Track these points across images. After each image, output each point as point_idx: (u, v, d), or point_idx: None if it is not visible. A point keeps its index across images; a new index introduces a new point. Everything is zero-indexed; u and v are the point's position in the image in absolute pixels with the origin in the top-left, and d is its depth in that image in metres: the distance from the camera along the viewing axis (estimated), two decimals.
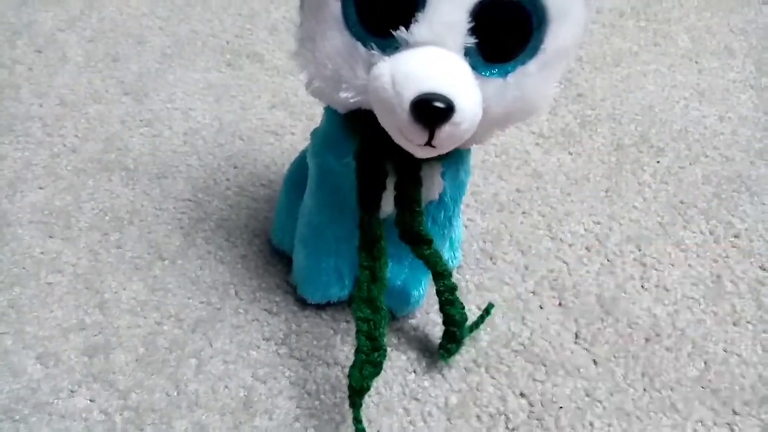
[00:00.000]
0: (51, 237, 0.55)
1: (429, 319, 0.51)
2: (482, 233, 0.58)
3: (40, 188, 0.59)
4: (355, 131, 0.40)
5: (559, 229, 0.59)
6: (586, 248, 0.58)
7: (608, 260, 0.57)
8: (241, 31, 0.78)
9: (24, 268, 0.53)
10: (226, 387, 0.46)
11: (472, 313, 0.50)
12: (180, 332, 0.49)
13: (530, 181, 0.64)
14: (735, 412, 0.47)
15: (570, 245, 0.58)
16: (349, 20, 0.35)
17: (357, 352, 0.42)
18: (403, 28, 0.34)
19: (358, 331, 0.42)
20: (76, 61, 0.73)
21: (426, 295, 0.51)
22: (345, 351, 0.49)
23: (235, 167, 0.63)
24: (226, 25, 0.79)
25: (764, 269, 0.57)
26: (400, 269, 0.49)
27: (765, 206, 0.62)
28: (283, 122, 0.67)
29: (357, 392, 0.41)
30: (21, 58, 0.73)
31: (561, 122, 0.70)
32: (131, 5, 0.81)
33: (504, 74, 0.35)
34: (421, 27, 0.34)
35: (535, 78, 0.36)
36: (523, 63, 0.35)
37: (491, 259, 0.56)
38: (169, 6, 0.81)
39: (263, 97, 0.70)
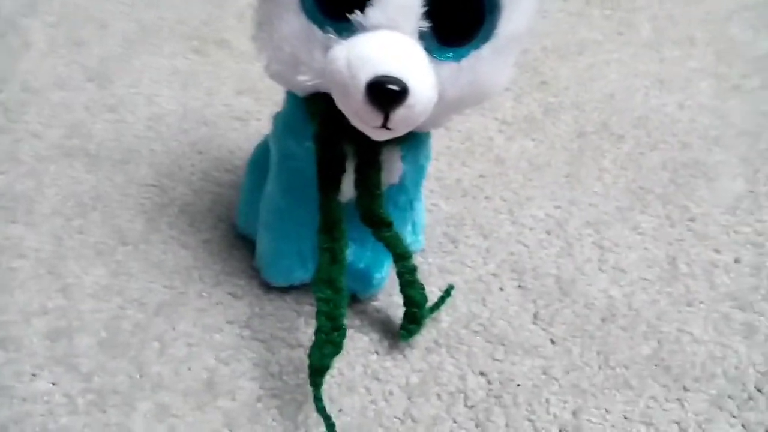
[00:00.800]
0: (13, 222, 0.55)
1: (392, 302, 0.52)
2: (446, 218, 0.59)
3: (2, 173, 0.59)
4: (314, 114, 0.41)
5: (520, 213, 0.60)
6: (546, 232, 0.59)
7: (567, 243, 0.58)
8: (208, 17, 0.78)
9: None
10: (189, 369, 0.47)
11: (435, 295, 0.51)
12: (143, 316, 0.49)
13: (493, 167, 0.65)
14: (686, 389, 0.48)
15: (531, 229, 0.59)
16: (306, 4, 0.36)
17: (317, 332, 0.42)
18: (358, 12, 0.34)
19: (318, 312, 0.42)
20: (38, 47, 0.72)
21: (388, 277, 0.51)
22: (308, 333, 0.49)
23: (200, 153, 0.63)
24: (194, 12, 0.78)
25: (718, 252, 0.58)
26: (362, 252, 0.49)
27: (720, 191, 0.64)
28: (250, 108, 0.67)
29: (317, 371, 0.42)
30: None
31: (525, 109, 0.71)
32: None
33: (458, 58, 0.36)
34: (376, 11, 0.34)
35: (488, 62, 0.37)
36: (476, 47, 0.36)
37: (454, 242, 0.57)
38: None
39: (229, 83, 0.70)
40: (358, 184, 0.42)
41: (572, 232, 0.59)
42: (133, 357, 0.47)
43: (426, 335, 0.50)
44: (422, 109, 0.36)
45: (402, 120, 0.35)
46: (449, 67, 0.36)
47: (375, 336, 0.50)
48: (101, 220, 0.56)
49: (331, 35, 0.36)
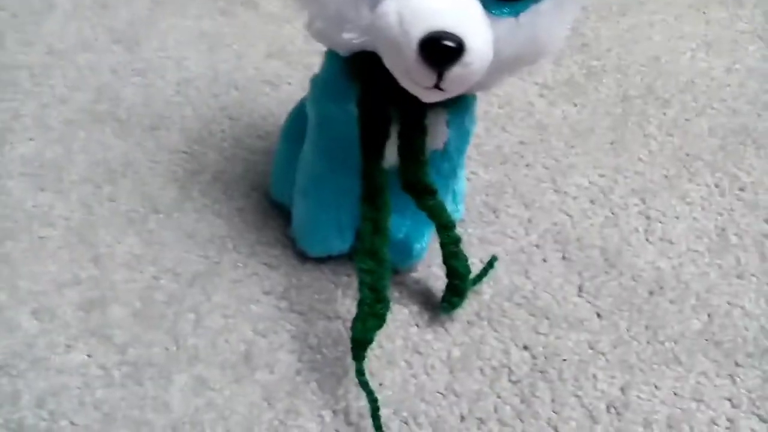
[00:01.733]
0: (42, 190, 0.54)
1: (431, 273, 0.50)
2: (485, 186, 0.57)
3: (30, 140, 0.58)
4: (357, 76, 0.39)
5: (563, 181, 0.58)
6: (591, 201, 0.57)
7: (612, 213, 0.56)
8: None
9: (16, 221, 0.52)
10: (226, 341, 0.46)
11: (475, 267, 0.49)
12: (177, 287, 0.48)
13: (534, 133, 0.62)
14: (737, 364, 0.47)
15: (574, 198, 0.57)
16: None
17: (360, 304, 0.41)
18: None
19: (361, 283, 0.41)
20: (63, 8, 0.70)
21: (428, 248, 0.50)
22: (346, 305, 0.48)
23: (231, 118, 0.61)
24: None
25: None
26: (402, 222, 0.48)
27: None
28: (280, 72, 0.65)
29: (360, 344, 0.41)
30: (4, 4, 0.70)
31: (566, 73, 0.68)
32: None
33: (516, 13, 0.34)
34: None
35: (548, 18, 0.34)
36: (536, 1, 0.34)
37: (494, 212, 0.55)
38: None
39: (259, 45, 0.68)
40: (402, 149, 0.40)
41: (617, 201, 0.57)
42: (168, 328, 0.46)
43: (467, 308, 0.49)
44: (478, 68, 0.33)
45: (457, 79, 0.33)
46: (507, 23, 0.34)
47: (415, 308, 0.49)
48: (132, 188, 0.54)
49: None
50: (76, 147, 0.57)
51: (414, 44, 0.32)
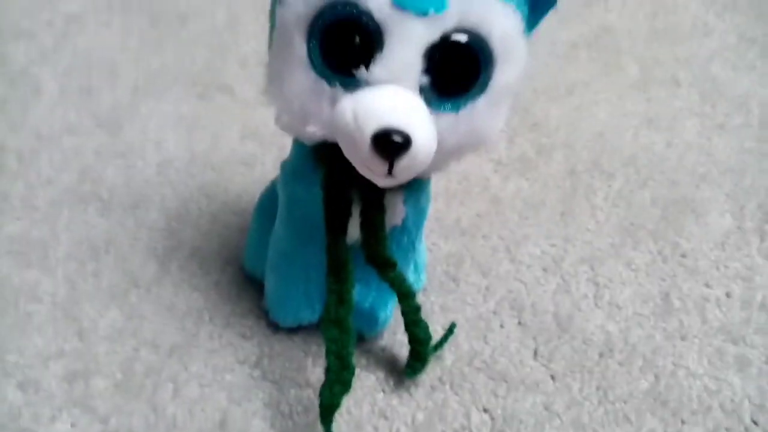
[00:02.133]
0: (29, 267, 0.57)
1: (396, 340, 0.54)
2: (445, 257, 0.61)
3: (17, 219, 0.61)
4: (321, 162, 0.43)
5: (517, 251, 0.62)
6: (543, 269, 0.61)
7: (564, 280, 0.60)
8: (211, 64, 0.81)
9: (3, 297, 0.54)
10: (203, 410, 0.48)
11: (437, 333, 0.52)
12: (156, 358, 0.51)
13: (490, 206, 0.67)
14: (683, 422, 0.50)
15: (528, 266, 0.61)
16: (314, 61, 0.38)
17: (327, 371, 0.44)
18: (363, 68, 0.37)
19: (327, 352, 0.44)
20: (50, 94, 0.75)
21: (393, 316, 0.53)
22: (316, 373, 0.51)
23: (208, 196, 0.65)
24: (197, 59, 0.81)
25: (709, 286, 0.60)
26: (367, 292, 0.51)
27: (709, 227, 0.66)
28: (254, 152, 0.70)
29: (327, 410, 0.44)
30: None
31: (518, 150, 0.73)
32: (104, 38, 0.83)
33: (456, 109, 0.38)
34: (380, 67, 0.37)
35: (484, 112, 0.39)
36: (473, 99, 0.38)
37: (454, 281, 0.59)
38: (142, 40, 0.83)
39: (234, 128, 0.73)
40: (364, 226, 0.44)
41: (568, 268, 0.61)
42: (148, 398, 0.48)
43: (430, 373, 0.52)
44: (424, 158, 0.38)
45: (405, 168, 0.37)
46: (448, 118, 0.38)
47: (381, 374, 0.51)
48: (114, 264, 0.58)
49: (337, 89, 0.38)
50: (61, 226, 0.60)
51: (367, 139, 0.36)
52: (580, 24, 0.92)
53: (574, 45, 0.89)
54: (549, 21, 0.90)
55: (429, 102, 0.38)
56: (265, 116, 0.73)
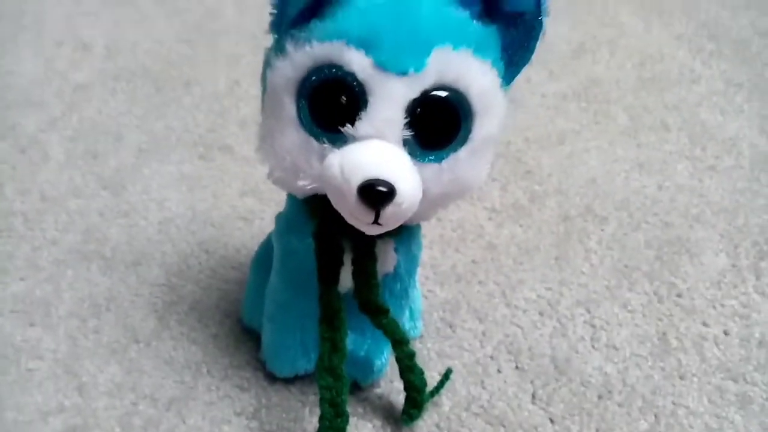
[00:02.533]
0: (32, 325, 0.58)
1: (393, 388, 0.54)
2: (442, 303, 0.62)
3: (22, 279, 0.62)
4: (313, 214, 0.45)
5: (513, 296, 0.63)
6: (539, 313, 0.61)
7: (560, 323, 0.61)
8: (212, 126, 0.84)
9: (5, 356, 0.55)
10: None
11: (435, 380, 0.53)
12: (155, 411, 0.51)
13: (485, 252, 0.68)
14: None
15: (524, 311, 0.62)
16: (303, 120, 0.40)
17: (321, 419, 0.44)
18: (349, 125, 0.39)
19: (321, 399, 0.45)
20: (57, 159, 0.77)
21: (388, 364, 0.54)
22: (313, 423, 0.51)
23: (207, 252, 0.66)
24: (199, 121, 0.84)
25: (706, 325, 0.60)
26: (362, 340, 0.52)
27: (704, 266, 0.67)
28: (253, 208, 0.72)
29: None
30: (5, 158, 0.78)
31: (512, 197, 0.75)
32: (110, 106, 0.86)
33: (439, 160, 0.40)
34: (364, 124, 0.39)
35: (466, 162, 0.41)
36: (455, 150, 0.40)
37: (451, 327, 0.60)
38: (146, 105, 0.87)
39: (234, 185, 0.75)
40: (356, 274, 0.46)
41: (564, 312, 0.62)
42: None
43: (428, 420, 0.52)
44: (409, 206, 0.39)
45: (391, 216, 0.39)
46: (431, 168, 0.40)
47: (378, 422, 0.52)
48: (115, 320, 0.59)
49: (326, 145, 0.40)
50: (64, 284, 0.62)
51: (354, 190, 0.38)
52: (569, 76, 0.95)
53: (564, 96, 0.92)
54: (539, 74, 0.94)
55: (413, 154, 0.40)
56: (264, 173, 0.75)
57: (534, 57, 0.42)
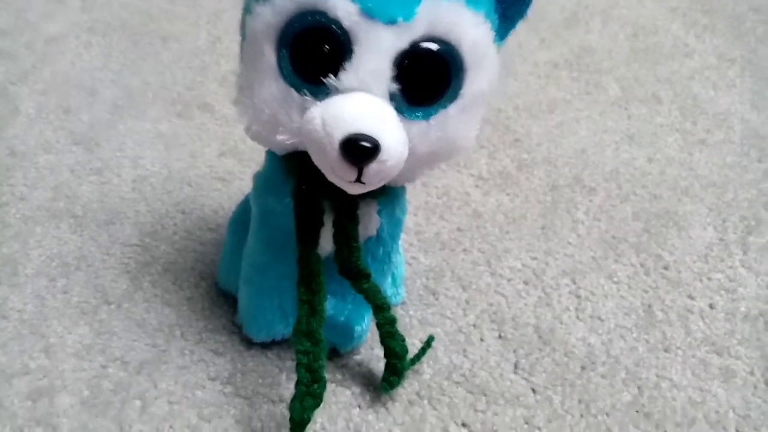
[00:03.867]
0: None
1: (373, 355, 0.53)
2: (425, 270, 0.61)
3: None
4: (292, 171, 0.43)
5: (498, 265, 0.62)
6: (524, 282, 0.60)
7: (545, 293, 0.59)
8: (191, 83, 0.81)
9: None
10: (171, 427, 0.47)
11: (416, 348, 0.51)
12: (125, 374, 0.50)
13: (470, 220, 0.66)
14: None
15: (509, 280, 0.60)
16: (284, 70, 0.38)
17: (297, 384, 0.43)
18: (332, 76, 0.37)
19: (298, 364, 0.43)
20: (27, 113, 0.74)
21: (369, 330, 0.52)
22: (290, 388, 0.49)
23: (183, 213, 0.64)
24: (177, 78, 0.81)
25: (692, 298, 0.60)
26: (343, 306, 0.50)
27: (692, 239, 0.66)
28: (232, 169, 0.69)
29: (298, 424, 0.42)
30: None
31: (499, 165, 0.73)
32: (84, 59, 0.83)
33: (427, 117, 0.38)
34: (349, 75, 0.36)
35: (455, 120, 0.39)
36: (444, 107, 0.38)
37: (434, 294, 0.58)
38: (122, 60, 0.83)
39: (212, 145, 0.72)
40: (337, 237, 0.44)
41: (549, 282, 0.60)
42: (114, 416, 0.47)
43: (408, 387, 0.51)
44: (394, 164, 0.37)
45: (375, 174, 0.37)
46: (419, 126, 0.38)
47: (357, 389, 0.50)
48: (85, 280, 0.56)
49: (307, 97, 0.38)
50: (32, 242, 0.60)
51: (336, 145, 0.36)
52: (560, 45, 0.94)
53: (555, 65, 0.90)
54: (530, 42, 0.92)
55: (400, 110, 0.38)
56: (244, 133, 0.74)
57: (527, 18, 0.41)
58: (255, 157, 0.70)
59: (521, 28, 0.41)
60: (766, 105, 0.85)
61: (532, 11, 0.40)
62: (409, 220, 0.52)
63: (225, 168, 0.70)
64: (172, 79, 0.81)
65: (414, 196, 0.67)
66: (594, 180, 0.73)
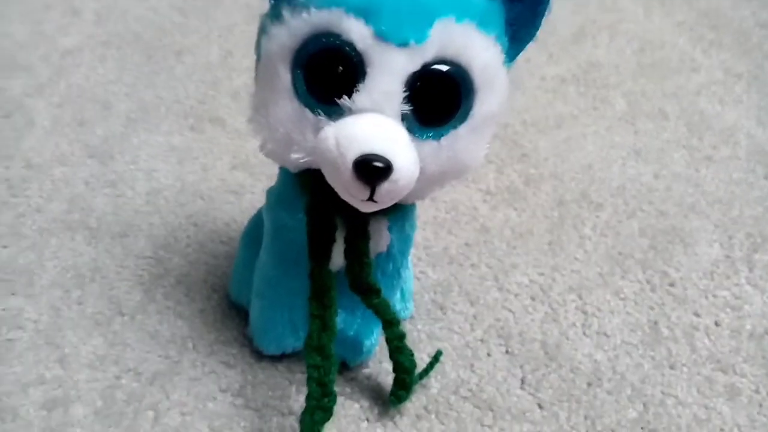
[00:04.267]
0: (13, 294, 0.57)
1: (382, 369, 0.53)
2: (433, 285, 0.61)
3: (4, 247, 0.61)
4: (305, 188, 0.44)
5: (505, 280, 0.62)
6: (531, 298, 0.61)
7: (552, 309, 0.60)
8: (204, 97, 0.82)
9: None
10: None
11: (424, 362, 0.52)
12: (138, 385, 0.50)
13: (478, 235, 0.67)
14: None
15: (516, 295, 0.61)
16: (299, 90, 0.39)
17: (308, 398, 0.43)
18: (346, 97, 0.37)
19: (309, 378, 0.44)
20: (43, 126, 0.75)
21: (378, 344, 0.53)
22: (300, 401, 0.50)
23: (196, 225, 0.65)
24: (190, 92, 0.83)
25: (698, 315, 0.60)
26: (352, 320, 0.51)
27: (698, 256, 0.66)
28: (243, 182, 0.70)
29: None
30: None
31: (507, 180, 0.74)
32: (98, 72, 0.84)
33: (438, 137, 0.39)
34: (362, 96, 0.37)
35: (465, 140, 0.40)
36: (455, 127, 0.39)
37: (442, 309, 0.59)
38: (135, 73, 0.85)
39: (224, 158, 0.73)
40: (348, 253, 0.45)
41: (556, 297, 0.61)
42: (127, 426, 0.48)
43: (416, 402, 0.51)
44: (405, 184, 0.38)
45: (387, 193, 0.38)
46: (430, 145, 0.39)
47: (365, 403, 0.51)
48: (99, 292, 0.57)
49: (321, 117, 0.39)
50: (48, 253, 0.61)
51: (349, 165, 0.37)
52: (568, 60, 0.94)
53: (562, 80, 0.91)
54: (538, 57, 0.93)
55: (411, 130, 0.39)
56: (256, 147, 0.74)
57: (536, 36, 0.41)
58: (266, 171, 0.71)
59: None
60: None
61: (540, 29, 0.41)
62: (417, 235, 0.53)
63: (237, 181, 0.70)
64: (185, 92, 0.82)
65: (422, 210, 0.68)
66: (601, 195, 0.73)
